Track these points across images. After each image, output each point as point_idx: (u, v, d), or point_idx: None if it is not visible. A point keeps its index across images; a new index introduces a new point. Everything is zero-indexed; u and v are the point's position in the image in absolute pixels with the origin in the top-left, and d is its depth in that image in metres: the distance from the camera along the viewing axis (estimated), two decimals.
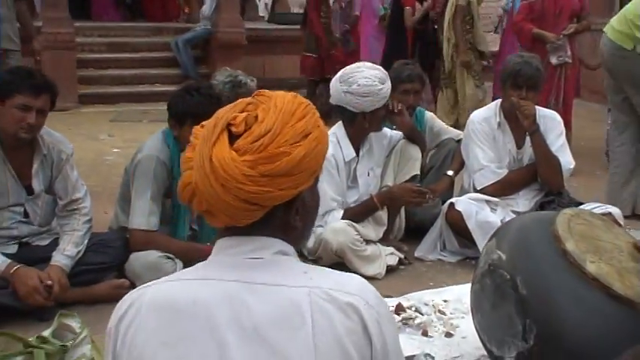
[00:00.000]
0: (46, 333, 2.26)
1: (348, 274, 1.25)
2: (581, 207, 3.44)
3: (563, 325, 2.04)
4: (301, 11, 12.63)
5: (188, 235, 3.44)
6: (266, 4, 15.77)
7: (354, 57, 7.42)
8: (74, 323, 2.32)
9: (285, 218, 1.21)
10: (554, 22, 5.63)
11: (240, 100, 1.23)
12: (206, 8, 9.82)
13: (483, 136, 3.81)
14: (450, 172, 4.07)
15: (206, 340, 1.13)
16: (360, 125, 3.59)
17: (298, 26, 10.72)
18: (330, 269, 1.29)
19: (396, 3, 7.55)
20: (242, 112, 1.19)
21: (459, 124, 6.50)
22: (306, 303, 1.14)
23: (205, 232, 3.44)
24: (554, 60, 5.63)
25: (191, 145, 1.21)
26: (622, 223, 3.53)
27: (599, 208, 3.57)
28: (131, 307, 1.18)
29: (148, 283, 1.23)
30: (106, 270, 3.20)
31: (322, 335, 1.12)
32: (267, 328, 1.12)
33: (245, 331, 1.12)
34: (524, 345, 2.11)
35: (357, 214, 3.58)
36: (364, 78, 3.48)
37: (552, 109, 5.27)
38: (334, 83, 3.59)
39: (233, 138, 1.15)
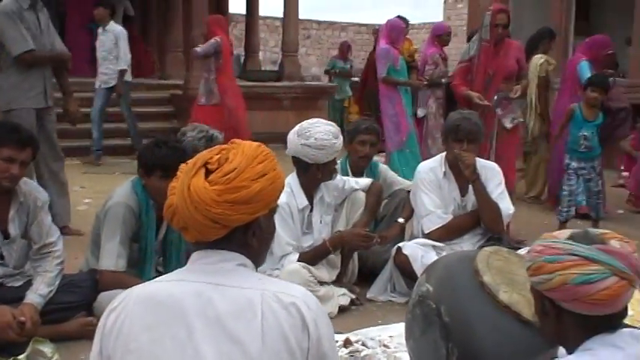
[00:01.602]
0: (21, 357, 2.49)
1: (296, 285, 1.61)
2: (519, 251, 3.75)
3: (480, 347, 2.32)
4: (274, 68, 13.17)
5: (154, 277, 3.66)
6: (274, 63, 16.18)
7: None
8: (47, 349, 2.55)
9: (244, 238, 1.56)
10: (487, 84, 5.49)
11: (217, 146, 1.61)
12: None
13: (430, 184, 4.14)
14: (401, 220, 4.40)
15: (178, 325, 1.45)
16: (313, 175, 3.89)
17: (269, 83, 11.27)
18: (280, 279, 1.62)
19: None
20: (217, 154, 1.55)
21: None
22: (258, 302, 1.47)
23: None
24: (507, 123, 5.45)
25: (176, 177, 1.56)
26: None
27: None
28: (121, 302, 1.52)
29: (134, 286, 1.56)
30: (75, 309, 3.41)
31: (269, 327, 1.45)
32: (226, 319, 1.45)
33: (209, 320, 1.45)
34: None
35: (311, 257, 3.86)
36: (320, 132, 3.80)
37: None
38: (292, 136, 3.87)
39: (208, 173, 1.52)
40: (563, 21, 10.49)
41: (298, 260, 3.80)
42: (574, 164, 5.73)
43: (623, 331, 1.66)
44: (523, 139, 6.82)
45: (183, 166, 1.57)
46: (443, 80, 7.48)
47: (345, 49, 13.02)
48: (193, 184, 1.50)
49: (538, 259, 1.67)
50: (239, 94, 8.22)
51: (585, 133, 5.68)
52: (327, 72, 13.63)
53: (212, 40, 7.74)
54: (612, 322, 1.64)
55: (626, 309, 1.67)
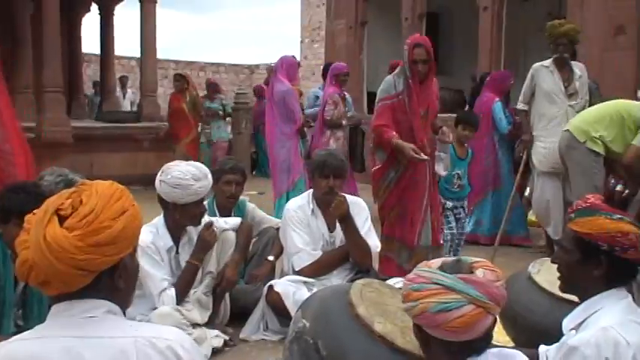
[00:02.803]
0: None
1: (168, 326, 1.55)
2: (387, 281, 3.87)
3: None
4: (134, 109, 12.57)
5: (14, 332, 3.45)
6: (132, 102, 15.64)
7: None
8: None
9: (111, 282, 1.47)
10: (421, 124, 4.73)
11: (64, 190, 1.49)
12: None
13: (299, 222, 4.19)
14: (271, 258, 4.44)
15: None
16: (172, 215, 3.85)
17: (127, 124, 10.97)
18: (153, 324, 1.56)
19: None
20: (68, 198, 1.45)
21: None
22: (132, 351, 1.40)
23: (31, 328, 3.47)
24: (442, 172, 5.03)
25: (25, 230, 1.44)
26: None
27: (401, 282, 4.02)
28: None
29: None
30: None
31: None
32: None
33: None
34: None
35: (185, 282, 3.84)
36: (178, 171, 3.77)
37: (430, 225, 4.82)
38: (159, 173, 3.85)
39: (62, 219, 1.41)
40: None
41: (176, 291, 3.76)
42: (449, 203, 5.45)
43: (491, 352, 1.77)
44: None
45: (30, 217, 1.45)
46: (343, 122, 7.44)
47: (210, 89, 11.53)
48: (49, 233, 1.38)
49: (408, 286, 1.76)
50: (19, 136, 7.34)
51: (459, 172, 5.47)
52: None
53: None
54: (474, 346, 1.74)
55: (489, 334, 1.77)
